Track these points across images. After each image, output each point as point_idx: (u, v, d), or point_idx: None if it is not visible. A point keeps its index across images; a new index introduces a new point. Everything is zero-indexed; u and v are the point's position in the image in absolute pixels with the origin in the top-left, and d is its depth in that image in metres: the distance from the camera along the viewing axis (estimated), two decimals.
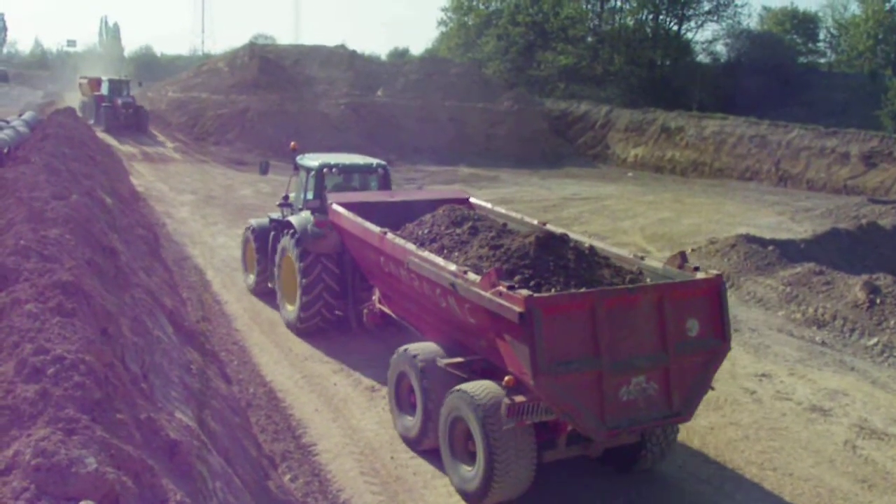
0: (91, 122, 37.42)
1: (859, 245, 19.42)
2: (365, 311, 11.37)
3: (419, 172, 33.04)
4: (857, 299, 13.92)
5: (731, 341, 7.87)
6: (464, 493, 7.71)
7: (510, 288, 6.92)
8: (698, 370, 7.55)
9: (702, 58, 57.53)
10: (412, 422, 8.71)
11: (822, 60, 59.00)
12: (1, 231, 6.85)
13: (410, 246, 8.76)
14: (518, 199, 27.04)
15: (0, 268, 5.44)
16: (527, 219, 10.43)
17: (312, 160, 12.90)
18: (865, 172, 34.27)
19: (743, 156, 38.24)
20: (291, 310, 12.30)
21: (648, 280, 8.13)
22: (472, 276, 7.47)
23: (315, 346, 11.81)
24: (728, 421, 9.93)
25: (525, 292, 6.83)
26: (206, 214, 21.51)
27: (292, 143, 14.29)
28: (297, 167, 13.39)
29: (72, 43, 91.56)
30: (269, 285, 13.60)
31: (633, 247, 19.77)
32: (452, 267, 7.87)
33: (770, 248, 17.21)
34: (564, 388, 6.90)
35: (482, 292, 7.17)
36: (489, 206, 11.35)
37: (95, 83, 43.31)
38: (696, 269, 7.92)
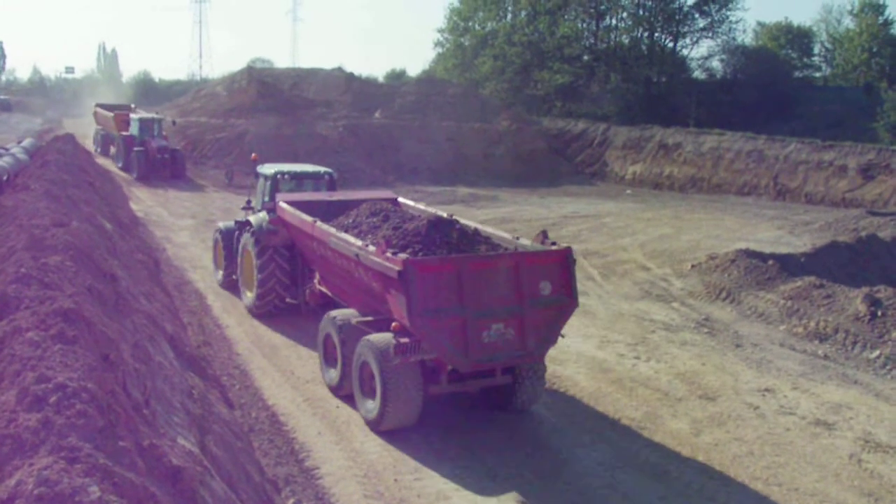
0: (118, 165, 34.73)
1: (859, 258, 19.45)
2: (307, 291, 13.36)
3: (418, 193, 33.04)
4: (859, 312, 13.91)
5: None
6: (368, 422, 9.62)
7: (394, 254, 8.94)
8: (549, 321, 9.44)
9: (698, 74, 57.79)
10: (335, 373, 10.59)
11: (818, 74, 59.16)
12: (1, 258, 6.86)
13: (332, 230, 10.86)
14: (517, 219, 27.05)
15: (1, 296, 5.45)
16: (439, 212, 11.98)
17: (269, 169, 14.94)
18: (863, 185, 34.38)
19: (741, 171, 38.37)
20: (250, 296, 14.26)
21: None
22: (371, 247, 9.51)
23: (317, 369, 11.79)
24: (732, 437, 9.90)
25: (403, 255, 8.86)
26: (206, 238, 21.47)
27: (253, 155, 15.84)
28: (257, 175, 15.36)
29: (70, 69, 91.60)
30: (234, 277, 15.37)
31: (633, 263, 19.78)
32: (359, 243, 9.92)
33: (770, 262, 17.23)
34: (435, 330, 8.82)
35: (375, 258, 9.19)
36: (412, 203, 13.49)
37: (122, 121, 35.79)
38: (553, 243, 9.86)
